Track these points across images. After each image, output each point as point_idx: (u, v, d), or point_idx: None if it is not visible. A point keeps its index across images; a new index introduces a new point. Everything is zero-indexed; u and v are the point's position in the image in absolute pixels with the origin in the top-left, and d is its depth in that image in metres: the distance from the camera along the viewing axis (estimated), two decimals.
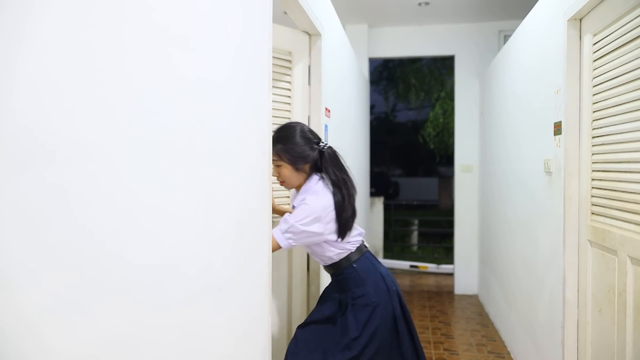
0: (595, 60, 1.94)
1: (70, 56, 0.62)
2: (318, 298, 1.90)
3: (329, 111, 2.50)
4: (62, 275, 0.61)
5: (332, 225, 1.67)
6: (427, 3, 4.14)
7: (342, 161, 1.79)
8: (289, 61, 2.11)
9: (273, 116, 1.68)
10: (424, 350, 3.17)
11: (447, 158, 9.94)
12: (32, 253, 0.56)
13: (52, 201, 0.59)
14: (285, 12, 1.98)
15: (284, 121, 1.91)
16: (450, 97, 8.44)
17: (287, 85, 2.10)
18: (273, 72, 1.61)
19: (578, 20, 2.07)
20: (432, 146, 8.99)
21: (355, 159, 3.74)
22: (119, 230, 0.72)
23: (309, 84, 2.23)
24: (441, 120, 8.71)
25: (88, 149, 0.65)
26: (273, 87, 1.96)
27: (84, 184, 0.64)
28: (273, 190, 1.82)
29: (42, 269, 0.57)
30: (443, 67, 9.98)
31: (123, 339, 0.73)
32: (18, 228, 0.54)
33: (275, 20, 1.62)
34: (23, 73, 0.55)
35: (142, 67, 0.77)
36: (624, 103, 1.71)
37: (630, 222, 1.68)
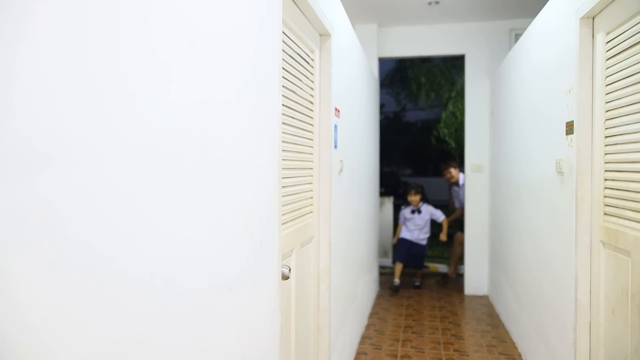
0: (608, 59, 1.92)
1: (89, 60, 0.62)
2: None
3: (339, 111, 2.50)
4: (75, 274, 0.61)
5: None
6: (437, 2, 4.12)
7: None
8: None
9: None
10: (435, 351, 3.17)
11: (460, 157, 9.82)
12: (46, 252, 0.57)
13: (65, 201, 0.60)
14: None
15: None
16: (462, 96, 8.34)
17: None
18: None
19: (591, 18, 2.04)
20: (453, 144, 8.77)
21: (365, 158, 3.74)
22: (131, 230, 0.72)
23: (319, 83, 2.24)
24: (459, 119, 8.59)
25: (102, 150, 0.66)
26: None
27: (97, 185, 0.65)
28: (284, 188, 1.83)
29: (55, 268, 0.58)
30: (453, 66, 9.90)
31: (135, 337, 0.74)
32: (32, 228, 0.55)
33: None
34: (37, 75, 0.55)
35: (165, 77, 0.78)
36: (638, 102, 1.69)
37: None
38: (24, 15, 0.54)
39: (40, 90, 0.56)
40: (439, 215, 5.10)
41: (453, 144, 8.82)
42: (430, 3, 4.15)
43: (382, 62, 4.89)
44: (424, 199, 5.16)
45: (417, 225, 5.04)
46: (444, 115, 9.10)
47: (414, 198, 5.08)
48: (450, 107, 8.90)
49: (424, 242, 5.07)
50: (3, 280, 0.52)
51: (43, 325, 0.57)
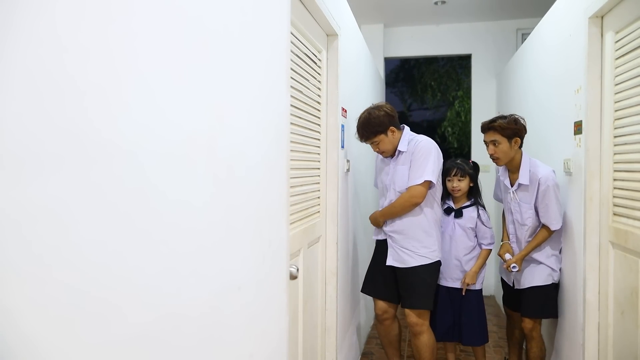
0: (617, 59, 1.91)
1: (104, 58, 0.63)
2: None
3: (346, 111, 2.50)
4: (93, 272, 0.62)
5: None
6: (443, 2, 4.11)
7: None
8: None
9: None
10: (441, 351, 3.15)
11: (463, 157, 9.84)
12: (63, 248, 0.58)
13: (87, 200, 0.60)
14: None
15: None
16: (468, 96, 8.35)
17: None
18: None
19: (599, 18, 2.03)
20: (455, 144, 8.81)
21: (371, 158, 3.73)
22: (145, 229, 0.73)
23: (326, 83, 2.24)
24: (463, 118, 8.59)
25: (128, 150, 0.66)
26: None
27: (113, 184, 0.65)
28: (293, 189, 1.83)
29: (68, 268, 0.59)
30: (459, 66, 9.89)
31: (149, 335, 0.74)
32: (44, 229, 0.56)
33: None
34: (65, 77, 0.56)
35: (172, 74, 0.78)
36: None
37: None
38: (42, 15, 0.54)
39: (68, 89, 0.56)
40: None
41: (455, 144, 8.83)
42: (436, 3, 4.14)
43: (387, 61, 4.88)
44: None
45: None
46: (449, 114, 9.10)
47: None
48: (456, 106, 8.90)
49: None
50: (17, 283, 0.52)
51: (56, 323, 0.57)
